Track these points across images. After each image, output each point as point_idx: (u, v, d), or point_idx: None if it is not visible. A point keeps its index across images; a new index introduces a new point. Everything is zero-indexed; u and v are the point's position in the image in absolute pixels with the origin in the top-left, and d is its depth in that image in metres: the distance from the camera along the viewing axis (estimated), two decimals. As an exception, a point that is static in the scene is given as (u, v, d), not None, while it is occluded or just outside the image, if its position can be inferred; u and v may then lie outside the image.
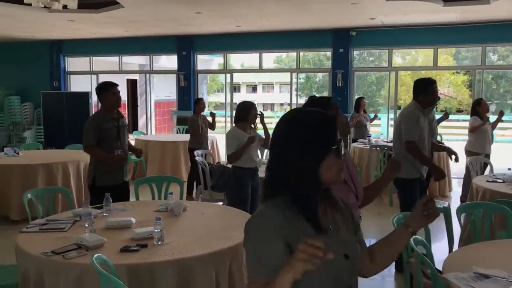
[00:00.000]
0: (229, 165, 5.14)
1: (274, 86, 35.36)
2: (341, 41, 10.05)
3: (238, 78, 28.52)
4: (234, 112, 5.58)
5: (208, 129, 7.62)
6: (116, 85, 4.63)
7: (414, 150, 4.29)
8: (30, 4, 7.14)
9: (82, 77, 13.05)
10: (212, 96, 28.11)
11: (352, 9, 7.87)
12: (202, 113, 7.66)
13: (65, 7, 7.23)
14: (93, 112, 4.90)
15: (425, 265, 2.67)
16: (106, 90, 4.53)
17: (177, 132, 11.12)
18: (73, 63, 13.05)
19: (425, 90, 4.37)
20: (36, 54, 12.66)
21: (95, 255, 2.47)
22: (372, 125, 9.37)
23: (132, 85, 17.09)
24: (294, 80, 11.35)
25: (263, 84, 34.73)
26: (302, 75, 31.43)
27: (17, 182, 6.20)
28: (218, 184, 5.27)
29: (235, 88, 32.56)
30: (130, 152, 5.03)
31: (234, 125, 4.90)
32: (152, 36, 11.25)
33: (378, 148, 7.51)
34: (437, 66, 9.95)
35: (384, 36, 9.82)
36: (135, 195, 4.51)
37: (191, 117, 7.53)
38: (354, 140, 9.02)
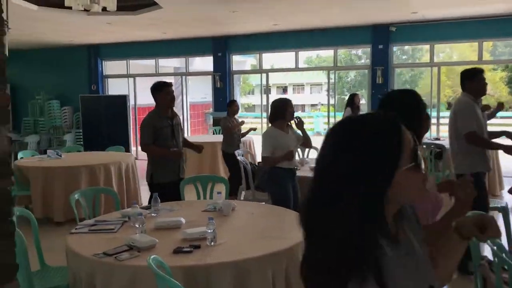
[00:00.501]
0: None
1: (304, 87, 35.08)
2: (381, 37, 9.79)
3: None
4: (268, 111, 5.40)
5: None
6: (170, 84, 4.72)
7: (477, 139, 4.09)
8: (70, 8, 7.24)
9: (119, 80, 13.18)
10: (243, 98, 28.09)
11: (394, 3, 7.63)
12: (235, 116, 7.57)
13: (104, 9, 7.28)
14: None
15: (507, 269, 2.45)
16: (160, 90, 4.60)
17: (214, 133, 11.07)
18: (110, 66, 13.21)
19: (473, 79, 4.21)
20: (74, 59, 12.86)
21: (152, 257, 2.37)
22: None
23: (167, 88, 17.18)
24: (332, 79, 11.10)
25: (293, 85, 34.48)
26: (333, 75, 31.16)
27: (60, 184, 6.24)
28: (263, 184, 5.13)
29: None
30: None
31: (270, 125, 4.70)
32: (187, 38, 11.25)
33: (424, 146, 7.23)
34: (482, 60, 9.54)
35: (425, 31, 9.50)
36: (181, 195, 4.43)
37: (224, 119, 7.43)
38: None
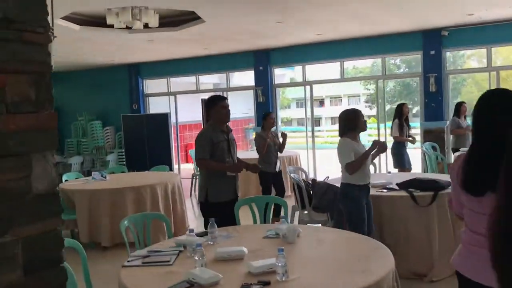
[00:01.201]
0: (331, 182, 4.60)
1: (342, 99, 34.48)
2: (432, 42, 9.25)
3: (302, 92, 27.84)
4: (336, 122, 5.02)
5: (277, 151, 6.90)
6: (225, 98, 4.57)
7: None
8: (112, 26, 7.11)
9: (160, 98, 13.09)
10: (280, 112, 27.67)
11: (449, 5, 7.14)
12: (272, 130, 7.07)
13: (146, 25, 7.12)
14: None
15: None
16: (215, 103, 4.46)
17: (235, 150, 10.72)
18: (150, 85, 13.14)
19: None
20: (115, 79, 12.87)
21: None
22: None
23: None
24: (381, 87, 10.61)
25: (330, 98, 33.92)
26: (371, 86, 30.35)
27: (106, 207, 6.01)
28: (322, 204, 4.72)
29: (299, 103, 32.00)
30: None
31: (341, 137, 4.33)
32: (228, 52, 11.03)
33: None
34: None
35: (480, 34, 8.91)
36: (236, 219, 4.07)
37: (259, 133, 6.99)
38: (455, 150, 8.18)
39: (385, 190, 4.83)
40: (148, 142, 12.06)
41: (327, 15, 7.49)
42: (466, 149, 7.69)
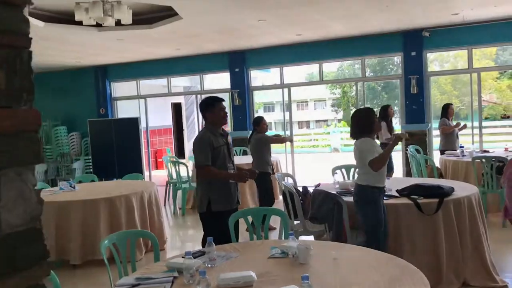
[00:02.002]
0: (329, 190, 4.20)
1: (308, 103, 34.45)
2: (413, 43, 9.05)
3: (272, 96, 27.50)
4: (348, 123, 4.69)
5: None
6: (222, 100, 4.21)
7: None
8: (80, 23, 6.53)
9: (128, 102, 12.46)
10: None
11: (434, 3, 6.90)
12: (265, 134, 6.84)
13: (118, 23, 6.57)
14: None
15: None
16: (213, 105, 4.10)
17: (235, 155, 10.28)
18: (119, 88, 12.48)
19: None
20: (81, 81, 12.17)
21: None
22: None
23: (176, 109, 16.48)
24: (360, 90, 10.35)
25: (297, 102, 33.88)
26: (337, 90, 30.36)
27: (76, 220, 5.43)
28: (320, 214, 4.32)
29: (269, 108, 31.69)
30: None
31: (356, 139, 4.05)
32: (202, 54, 10.55)
33: (483, 160, 6.42)
34: None
35: (462, 34, 8.76)
36: (231, 235, 3.61)
37: (263, 136, 6.64)
38: (442, 152, 7.96)
39: (385, 198, 4.48)
40: (117, 149, 11.42)
41: (308, 15, 7.14)
42: (455, 151, 7.51)
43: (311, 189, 5.17)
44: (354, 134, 4.05)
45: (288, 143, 9.89)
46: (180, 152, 16.22)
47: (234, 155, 10.11)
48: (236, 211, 3.92)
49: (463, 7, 7.27)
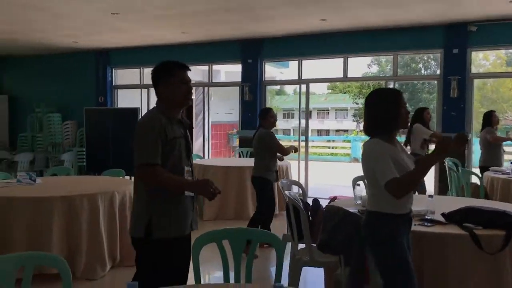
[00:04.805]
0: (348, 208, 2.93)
1: (329, 112, 33.17)
2: (456, 39, 7.71)
3: (290, 103, 26.13)
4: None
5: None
6: (185, 66, 2.68)
7: None
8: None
9: (130, 91, 11.36)
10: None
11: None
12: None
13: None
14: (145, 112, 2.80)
15: None
16: (170, 74, 2.60)
17: (240, 156, 9.05)
18: (121, 75, 11.39)
19: None
20: (80, 66, 11.13)
21: None
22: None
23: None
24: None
25: (317, 110, 32.60)
26: (360, 100, 28.84)
27: (21, 222, 4.24)
28: (335, 241, 3.02)
29: (288, 115, 30.36)
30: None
31: (370, 138, 2.64)
32: (211, 40, 9.37)
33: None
34: None
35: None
36: (193, 269, 2.36)
37: (268, 133, 5.39)
38: (484, 168, 6.58)
39: (427, 223, 3.19)
40: (113, 141, 10.30)
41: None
42: (501, 168, 6.16)
43: (324, 203, 3.91)
44: (369, 129, 2.64)
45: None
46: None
47: (240, 156, 9.07)
48: (189, 240, 2.59)
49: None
